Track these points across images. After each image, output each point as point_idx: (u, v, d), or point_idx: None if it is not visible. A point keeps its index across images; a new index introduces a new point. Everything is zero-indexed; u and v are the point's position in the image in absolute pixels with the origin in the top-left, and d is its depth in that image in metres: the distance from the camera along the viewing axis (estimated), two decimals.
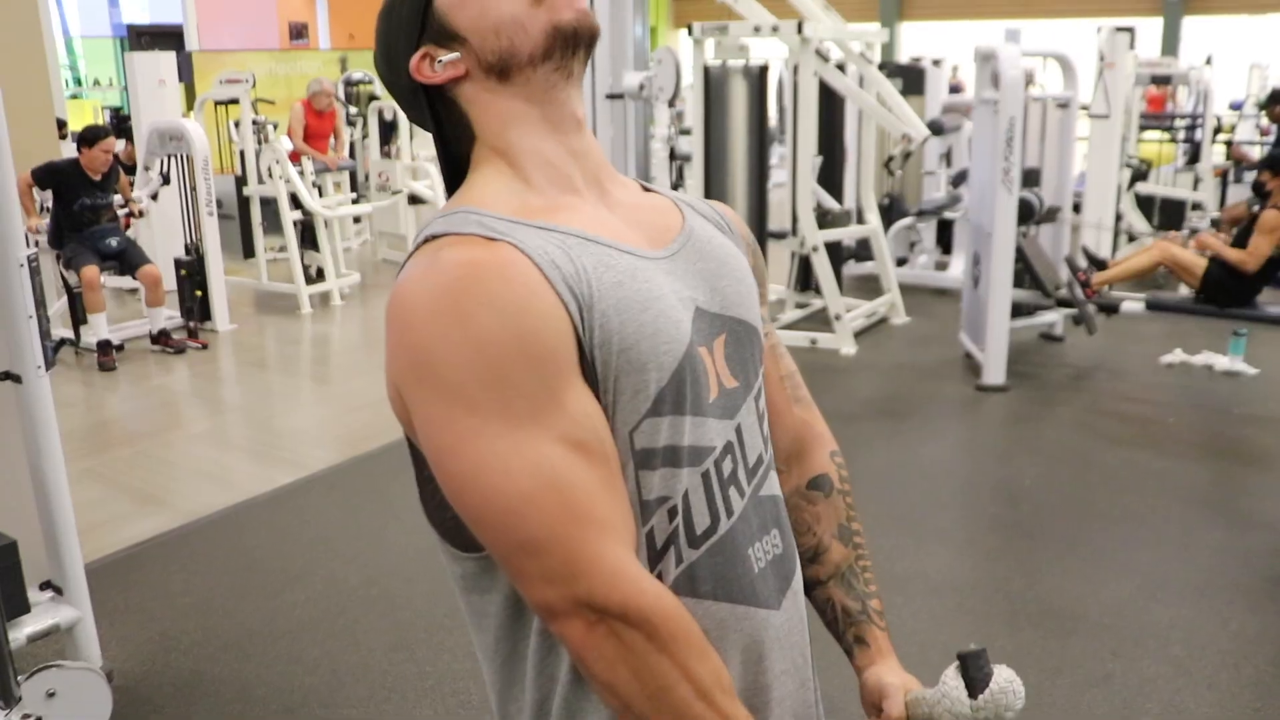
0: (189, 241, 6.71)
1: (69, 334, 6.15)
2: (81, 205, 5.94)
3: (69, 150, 7.75)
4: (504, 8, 0.98)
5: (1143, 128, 8.94)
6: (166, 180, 6.77)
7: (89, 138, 5.97)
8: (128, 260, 6.14)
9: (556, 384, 0.89)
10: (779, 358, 1.20)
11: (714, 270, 1.05)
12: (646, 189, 1.12)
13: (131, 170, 7.21)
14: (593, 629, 0.87)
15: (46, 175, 5.94)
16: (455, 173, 1.07)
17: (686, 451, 0.97)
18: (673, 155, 8.54)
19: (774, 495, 1.07)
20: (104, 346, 5.87)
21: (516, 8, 0.98)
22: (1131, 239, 7.85)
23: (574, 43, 1.00)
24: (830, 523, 1.18)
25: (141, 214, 6.46)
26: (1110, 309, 5.65)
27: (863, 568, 1.18)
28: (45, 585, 2.72)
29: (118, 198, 6.23)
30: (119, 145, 6.95)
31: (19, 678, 2.40)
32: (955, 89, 10.40)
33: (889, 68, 7.94)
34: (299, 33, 16.23)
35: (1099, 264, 5.73)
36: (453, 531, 1.00)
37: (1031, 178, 6.14)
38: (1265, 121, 10.64)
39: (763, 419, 1.08)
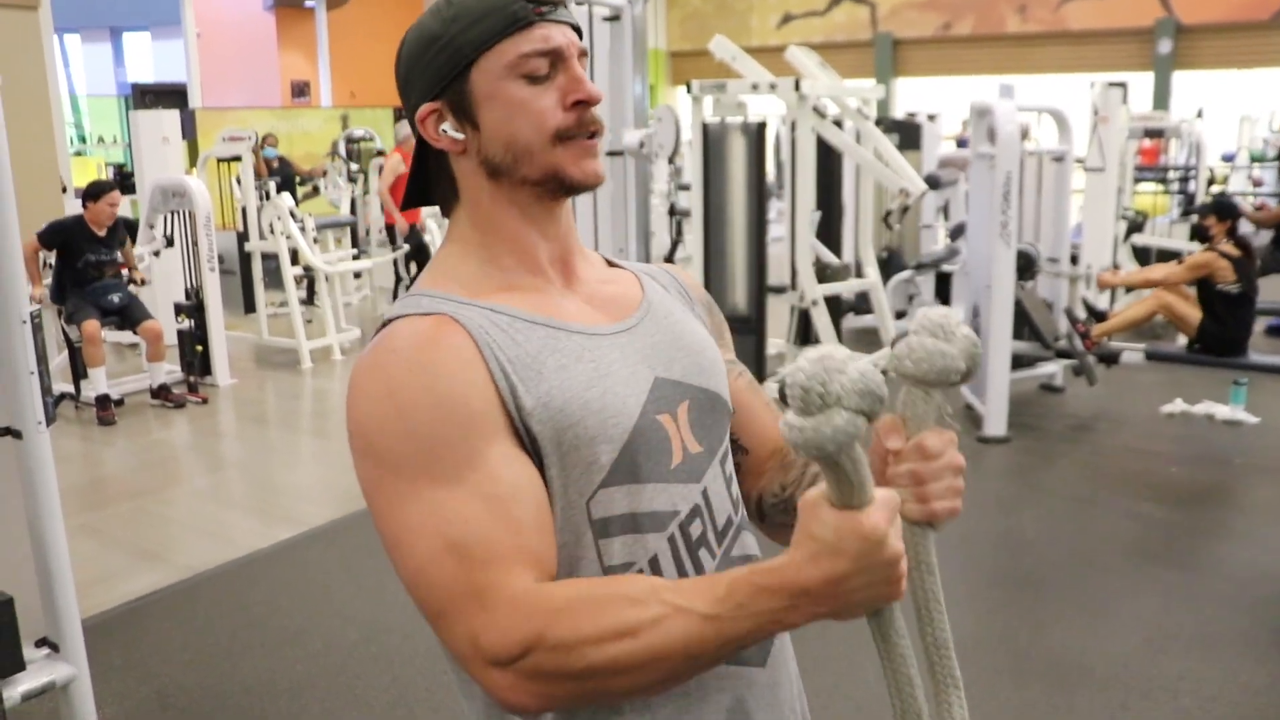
0: (189, 286, 6.71)
1: (69, 388, 6.14)
2: (85, 262, 5.97)
3: (72, 207, 7.82)
4: (524, 132, 1.00)
5: (1137, 180, 9.03)
6: (170, 243, 6.81)
7: (94, 192, 6.02)
8: (129, 315, 6.16)
9: (480, 444, 0.92)
10: (758, 389, 1.20)
11: (671, 341, 1.07)
12: (611, 264, 1.15)
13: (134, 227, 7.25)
14: (508, 675, 0.87)
15: (53, 235, 5.96)
16: (421, 191, 1.09)
17: (647, 517, 0.98)
18: (672, 211, 8.62)
19: (746, 555, 1.08)
20: (103, 401, 5.87)
21: (535, 138, 1.00)
22: (1129, 290, 7.88)
23: (568, 191, 1.04)
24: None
25: (144, 282, 6.47)
26: (1110, 359, 5.67)
27: None
28: (41, 642, 2.69)
29: (119, 254, 6.26)
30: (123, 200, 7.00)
31: None
32: (963, 143, 10.51)
33: (885, 123, 8.02)
34: (301, 90, 16.43)
35: (1098, 315, 5.76)
36: None
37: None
38: (1258, 172, 10.76)
39: (730, 482, 1.08)
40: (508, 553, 0.89)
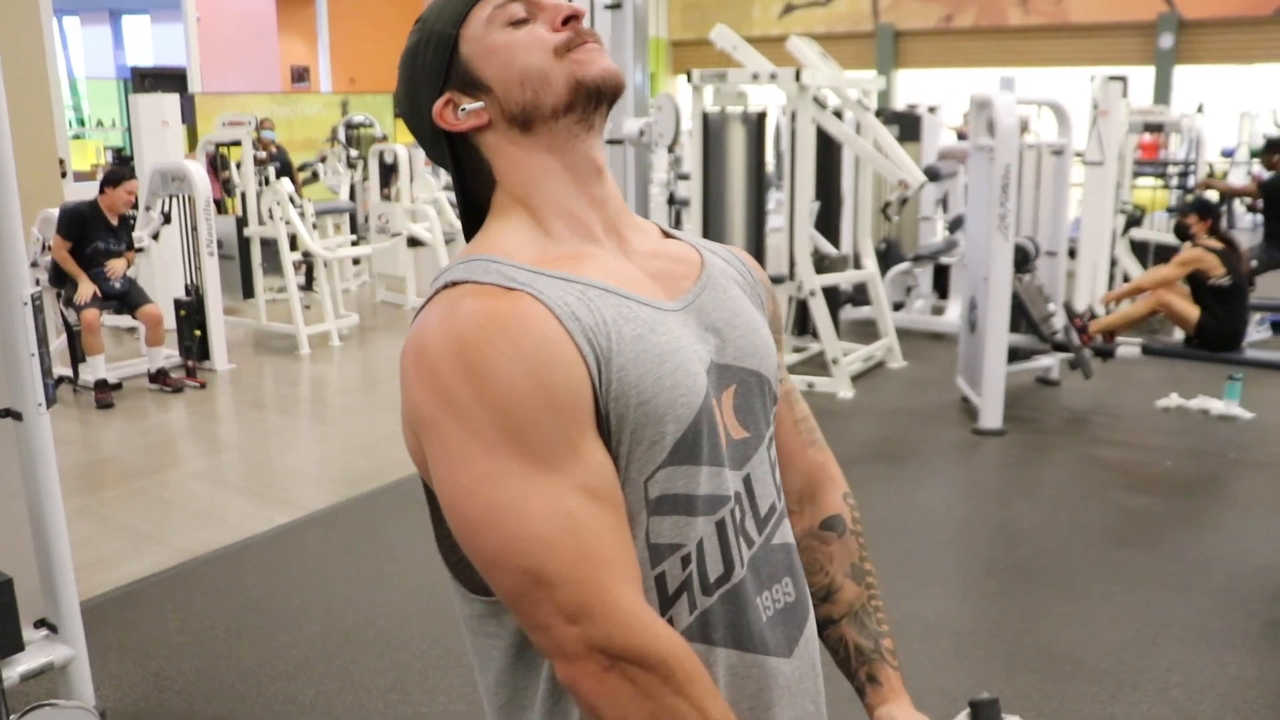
0: (189, 281, 6.73)
1: (68, 372, 6.15)
2: (95, 249, 5.98)
3: (69, 189, 7.80)
4: (530, 60, 1.00)
5: (1136, 174, 9.03)
6: (167, 220, 6.81)
7: (113, 179, 6.04)
8: (129, 300, 6.17)
9: (574, 433, 0.90)
10: (794, 403, 1.20)
11: (728, 320, 1.05)
12: (667, 234, 1.13)
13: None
14: (606, 673, 0.87)
15: (72, 226, 5.93)
16: (473, 215, 1.08)
17: (702, 500, 0.98)
18: (671, 200, 8.60)
19: (786, 543, 1.08)
20: (101, 385, 5.88)
21: (542, 60, 1.00)
22: (1126, 282, 7.89)
23: (597, 98, 1.01)
24: (843, 562, 1.18)
25: (130, 263, 6.45)
26: (1106, 354, 5.69)
27: (875, 607, 1.18)
28: (40, 623, 2.70)
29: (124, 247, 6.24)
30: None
31: (11, 716, 2.39)
32: (963, 136, 10.52)
33: (885, 114, 8.03)
34: (301, 76, 16.39)
35: (1095, 313, 5.78)
36: (465, 572, 1.01)
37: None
38: (1258, 169, 10.76)
39: (774, 468, 1.08)
40: (616, 557, 0.89)
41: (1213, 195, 8.12)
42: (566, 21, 1.01)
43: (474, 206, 1.08)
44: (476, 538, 0.91)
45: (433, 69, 1.02)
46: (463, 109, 1.01)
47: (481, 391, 0.88)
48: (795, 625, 1.07)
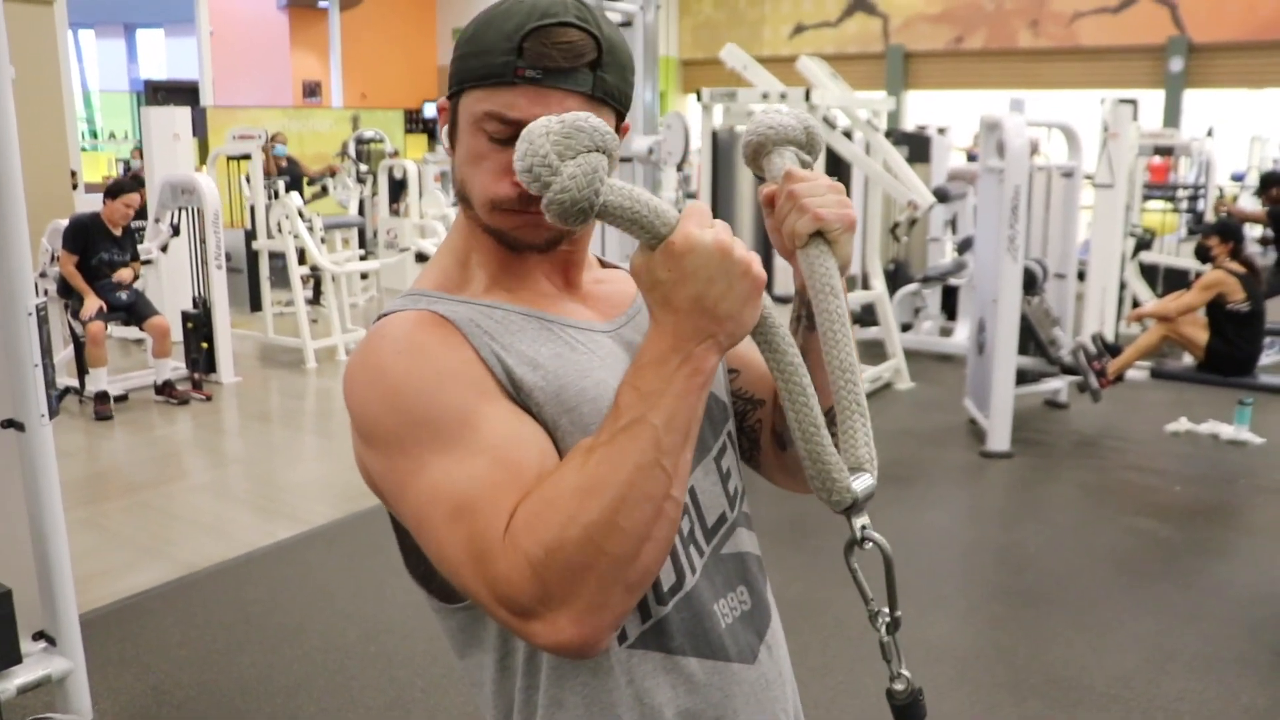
0: (196, 295, 6.74)
1: (74, 383, 6.15)
2: (99, 260, 5.99)
3: (82, 201, 7.84)
4: (472, 185, 1.00)
5: (1146, 197, 9.02)
6: (176, 231, 6.83)
7: (113, 190, 6.07)
8: (136, 312, 6.17)
9: (476, 403, 0.91)
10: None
11: None
12: (604, 264, 1.16)
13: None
14: (543, 619, 0.84)
15: (76, 238, 5.94)
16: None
17: None
18: None
19: (740, 553, 1.08)
20: (102, 397, 5.87)
21: (478, 198, 1.00)
22: (1136, 306, 7.87)
23: (515, 249, 1.01)
24: None
25: (137, 276, 6.46)
26: (1116, 378, 5.66)
27: None
28: (39, 635, 2.69)
29: (130, 258, 6.25)
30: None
31: None
32: (973, 157, 10.54)
33: (895, 135, 8.03)
34: (312, 91, 16.47)
35: (1112, 350, 5.74)
36: (434, 583, 1.03)
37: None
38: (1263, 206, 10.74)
39: (726, 479, 1.08)
40: (506, 498, 0.87)
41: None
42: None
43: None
44: (420, 536, 0.92)
45: (450, 76, 1.00)
46: (445, 130, 1.04)
47: (382, 398, 0.92)
48: (755, 632, 1.07)
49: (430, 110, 16.88)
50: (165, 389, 6.23)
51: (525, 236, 0.99)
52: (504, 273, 1.03)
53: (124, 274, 6.06)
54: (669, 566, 0.99)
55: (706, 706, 1.00)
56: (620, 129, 0.99)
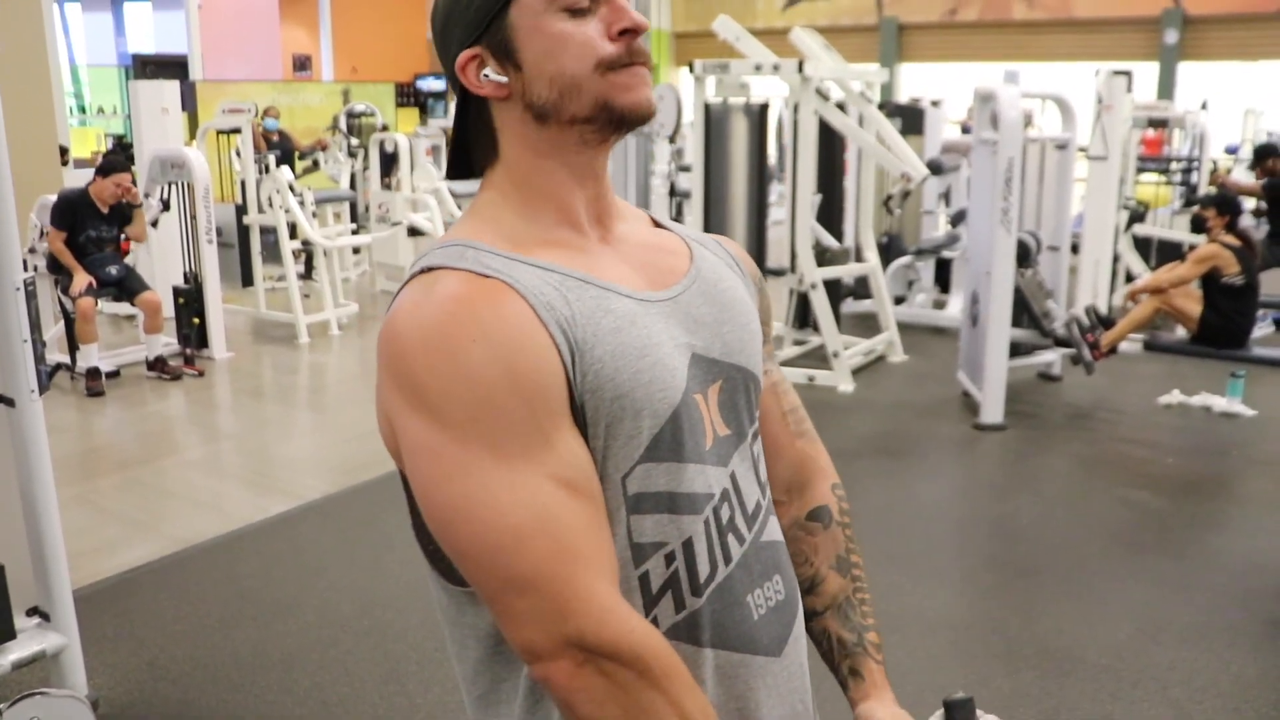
0: (187, 270, 6.71)
1: (65, 359, 6.13)
2: (88, 237, 5.96)
3: (70, 176, 7.78)
4: (568, 64, 0.95)
5: (1140, 170, 9.00)
6: (166, 206, 6.79)
7: (104, 168, 6.01)
8: (127, 287, 6.15)
9: (547, 423, 0.88)
10: (781, 394, 1.18)
11: (716, 315, 1.03)
12: (657, 224, 1.11)
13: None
14: (580, 668, 0.86)
15: (63, 215, 5.90)
16: (462, 159, 1.05)
17: (684, 498, 0.96)
18: (672, 191, 8.60)
19: (774, 540, 1.06)
20: (93, 373, 5.85)
21: (580, 69, 0.95)
22: (1129, 279, 7.88)
23: (618, 124, 0.98)
24: (828, 554, 1.16)
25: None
26: (1109, 350, 5.66)
27: (860, 600, 1.16)
28: (33, 611, 2.69)
29: (119, 232, 6.21)
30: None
31: (1, 705, 2.37)
32: (967, 129, 10.49)
33: (889, 107, 8.00)
34: (302, 64, 16.36)
35: (1106, 322, 5.74)
36: (443, 562, 0.99)
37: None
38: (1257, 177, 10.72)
39: (758, 464, 1.06)
40: (591, 551, 0.87)
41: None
42: (624, 33, 0.95)
43: (466, 148, 1.04)
44: (449, 530, 0.89)
45: (475, 16, 0.96)
46: (486, 73, 0.97)
47: (451, 380, 0.87)
48: (785, 624, 1.05)
49: (424, 84, 16.77)
50: (157, 365, 6.21)
51: (637, 98, 0.96)
52: (556, 216, 0.99)
53: (137, 235, 6.21)
54: (705, 557, 0.97)
55: (729, 699, 0.99)
56: None
